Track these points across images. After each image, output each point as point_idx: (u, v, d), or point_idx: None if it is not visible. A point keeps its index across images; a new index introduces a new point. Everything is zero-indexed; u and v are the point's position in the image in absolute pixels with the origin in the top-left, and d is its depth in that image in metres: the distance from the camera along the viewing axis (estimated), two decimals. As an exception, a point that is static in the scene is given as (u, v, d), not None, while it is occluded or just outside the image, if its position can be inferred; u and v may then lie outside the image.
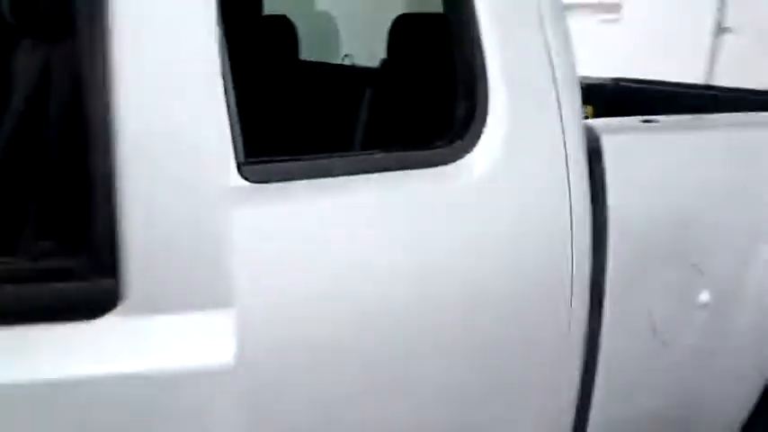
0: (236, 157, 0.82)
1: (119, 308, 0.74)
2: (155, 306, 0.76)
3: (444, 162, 0.97)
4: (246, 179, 0.82)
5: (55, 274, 0.75)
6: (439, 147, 0.98)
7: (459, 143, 0.99)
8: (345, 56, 2.07)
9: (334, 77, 1.56)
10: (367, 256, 0.89)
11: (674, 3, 4.54)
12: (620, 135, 1.16)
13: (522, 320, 1.04)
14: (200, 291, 0.79)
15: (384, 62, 1.32)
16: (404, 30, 1.25)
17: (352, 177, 0.90)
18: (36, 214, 0.85)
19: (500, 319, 1.02)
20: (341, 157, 0.97)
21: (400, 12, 1.42)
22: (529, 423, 1.10)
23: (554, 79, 1.08)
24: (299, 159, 0.88)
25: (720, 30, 4.68)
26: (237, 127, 0.82)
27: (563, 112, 1.09)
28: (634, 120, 1.22)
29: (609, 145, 1.13)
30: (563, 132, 1.09)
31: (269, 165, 0.85)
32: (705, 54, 4.65)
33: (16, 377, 0.71)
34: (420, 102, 1.13)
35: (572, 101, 1.10)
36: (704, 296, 1.29)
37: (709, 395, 1.40)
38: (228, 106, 0.81)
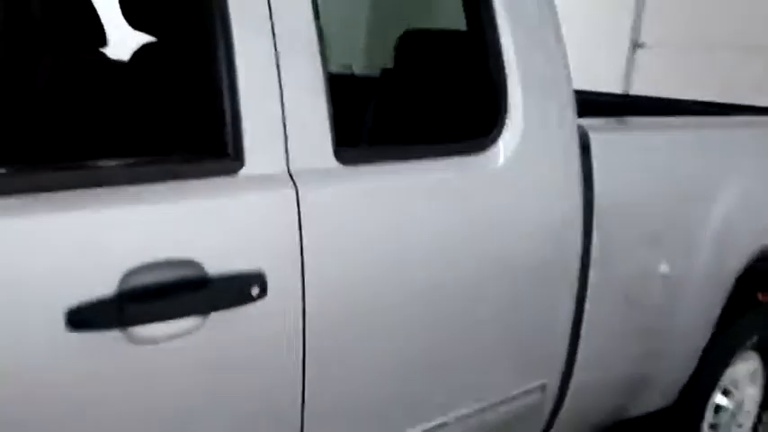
0: (333, 144, 1.01)
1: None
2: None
3: (480, 151, 1.20)
4: (340, 162, 1.02)
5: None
6: (475, 139, 1.21)
7: (489, 137, 1.22)
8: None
9: (386, 82, 1.69)
10: (428, 224, 1.11)
11: (592, 20, 4.95)
12: (604, 133, 1.43)
13: (535, 276, 1.29)
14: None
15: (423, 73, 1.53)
16: (434, 46, 1.48)
17: (414, 162, 1.11)
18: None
19: (520, 275, 1.26)
20: (404, 145, 1.17)
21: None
22: (536, 357, 1.35)
23: (555, 89, 1.34)
24: (373, 148, 1.07)
25: (636, 45, 5.15)
26: (332, 119, 1.01)
27: (562, 114, 1.34)
28: (611, 120, 1.49)
29: (595, 141, 1.40)
30: (563, 131, 1.34)
31: (355, 151, 1.04)
32: (621, 68, 5.12)
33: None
34: (458, 103, 1.35)
35: (568, 105, 1.36)
36: (664, 267, 1.58)
37: (666, 350, 1.70)
38: (326, 101, 1.01)
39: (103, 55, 1.33)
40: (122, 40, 1.24)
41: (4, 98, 1.24)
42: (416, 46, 1.50)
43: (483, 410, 1.25)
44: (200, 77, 0.94)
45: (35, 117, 1.18)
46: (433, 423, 1.18)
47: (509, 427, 1.35)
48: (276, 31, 0.95)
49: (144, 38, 1.19)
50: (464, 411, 1.22)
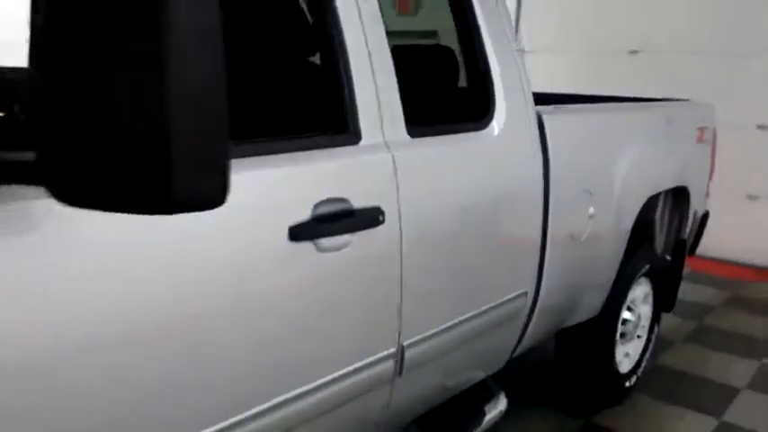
0: (405, 122, 1.52)
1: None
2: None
3: (485, 127, 1.76)
4: (410, 135, 1.53)
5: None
6: (481, 120, 1.77)
7: (486, 118, 1.79)
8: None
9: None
10: (464, 172, 1.66)
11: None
12: (551, 115, 2.03)
13: (521, 209, 1.88)
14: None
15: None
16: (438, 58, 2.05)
17: (452, 135, 1.65)
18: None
19: (513, 208, 1.85)
20: (444, 125, 1.69)
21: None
22: (521, 273, 1.94)
23: (520, 87, 1.93)
24: (424, 126, 1.59)
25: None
26: (403, 105, 1.52)
27: (527, 104, 1.93)
28: (552, 107, 2.11)
29: (547, 120, 2.00)
30: (528, 114, 1.93)
31: (415, 128, 1.55)
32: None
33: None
34: (468, 97, 1.90)
35: (528, 97, 1.95)
36: (591, 210, 2.23)
37: (593, 274, 2.35)
38: (398, 92, 1.51)
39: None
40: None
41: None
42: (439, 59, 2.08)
43: (495, 307, 1.82)
44: (331, 82, 1.42)
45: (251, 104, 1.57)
46: (466, 316, 1.72)
47: (508, 321, 1.93)
48: (368, 39, 1.45)
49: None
50: (484, 308, 1.78)
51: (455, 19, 1.87)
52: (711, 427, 2.65)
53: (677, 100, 3.15)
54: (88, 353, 0.97)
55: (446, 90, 2.06)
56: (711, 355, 3.34)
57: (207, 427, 1.14)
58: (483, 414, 1.95)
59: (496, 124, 1.81)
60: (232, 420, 1.18)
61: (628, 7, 5.23)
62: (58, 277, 0.93)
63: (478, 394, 2.05)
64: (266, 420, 1.24)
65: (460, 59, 1.95)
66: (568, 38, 5.66)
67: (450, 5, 1.86)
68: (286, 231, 1.23)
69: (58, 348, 0.93)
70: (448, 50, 2.05)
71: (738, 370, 3.16)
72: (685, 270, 3.20)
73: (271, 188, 1.23)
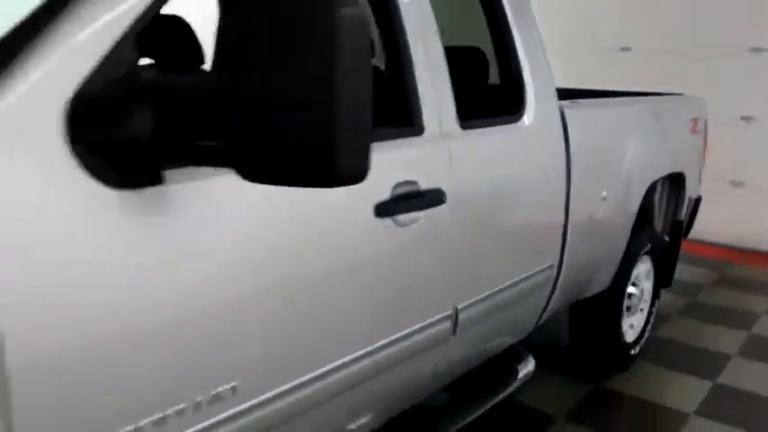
0: (456, 115, 1.76)
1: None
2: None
3: (519, 120, 2.01)
4: (460, 127, 1.77)
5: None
6: (515, 114, 2.02)
7: (519, 112, 2.04)
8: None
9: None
10: (505, 157, 1.91)
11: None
12: (571, 108, 2.28)
13: (549, 190, 2.13)
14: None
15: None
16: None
17: (493, 127, 1.90)
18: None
19: (544, 188, 2.10)
20: (486, 118, 1.93)
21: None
22: (549, 247, 2.19)
23: (546, 84, 2.17)
24: (472, 119, 1.83)
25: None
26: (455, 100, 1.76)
27: (552, 99, 2.18)
28: (571, 101, 2.36)
29: (568, 113, 2.25)
30: (553, 108, 2.18)
31: (465, 121, 1.79)
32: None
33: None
34: (498, 94, 2.14)
35: (553, 93, 2.20)
36: (604, 192, 2.49)
37: (605, 251, 2.61)
38: (451, 89, 1.75)
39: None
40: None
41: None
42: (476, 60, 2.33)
43: (528, 277, 2.08)
44: (400, 85, 1.65)
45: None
46: (507, 284, 1.98)
47: (537, 291, 2.18)
48: (427, 48, 1.68)
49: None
50: (521, 277, 2.03)
51: (489, 24, 2.12)
52: (707, 388, 2.94)
53: (672, 94, 3.43)
54: (246, 303, 1.21)
55: (479, 87, 2.30)
56: (704, 327, 3.64)
57: (328, 363, 1.39)
58: (516, 373, 2.21)
59: (527, 117, 2.06)
60: (338, 362, 1.42)
61: (620, 6, 5.52)
62: (221, 242, 1.17)
63: (508, 358, 2.31)
64: (360, 364, 1.49)
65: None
66: (562, 35, 5.94)
67: (484, 12, 2.10)
68: (372, 209, 1.47)
69: (237, 295, 1.18)
70: (480, 52, 2.30)
71: (729, 339, 3.46)
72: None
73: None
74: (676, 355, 3.28)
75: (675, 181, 3.22)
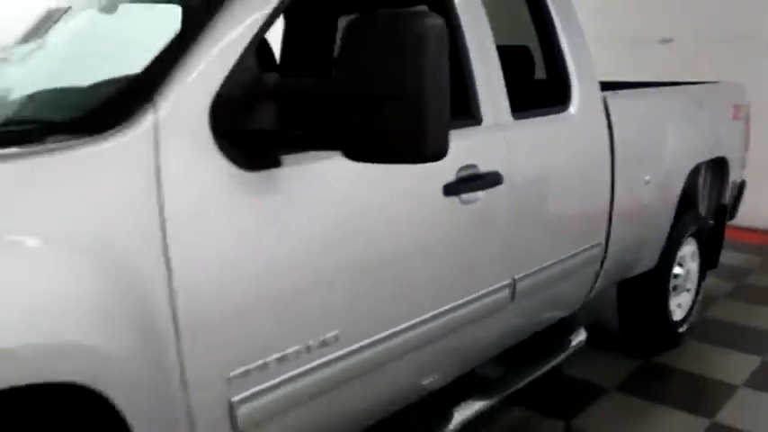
0: (509, 107, 1.99)
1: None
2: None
3: (566, 109, 2.23)
4: (513, 118, 2.00)
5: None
6: (554, 102, 2.23)
7: (565, 103, 2.25)
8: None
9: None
10: (555, 143, 2.13)
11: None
12: (613, 98, 2.48)
13: (595, 174, 2.34)
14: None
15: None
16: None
17: (543, 116, 2.12)
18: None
19: (591, 172, 2.31)
20: (534, 109, 2.16)
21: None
22: (597, 227, 2.39)
23: (590, 76, 2.38)
24: (523, 110, 2.06)
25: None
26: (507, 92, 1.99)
27: (595, 89, 2.39)
28: (612, 92, 2.55)
29: (610, 102, 2.45)
30: (595, 98, 2.39)
31: (518, 112, 2.02)
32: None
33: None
34: (545, 87, 2.36)
35: (595, 84, 2.40)
36: (647, 176, 2.67)
37: (650, 231, 2.79)
38: (504, 81, 1.98)
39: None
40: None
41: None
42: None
43: (577, 254, 2.28)
44: (461, 81, 1.89)
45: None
46: (558, 259, 2.19)
47: (586, 267, 2.39)
48: (483, 47, 1.92)
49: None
50: (571, 252, 2.24)
51: (535, 25, 2.34)
52: (756, 363, 3.07)
53: (711, 82, 3.57)
54: (345, 264, 1.48)
55: (527, 82, 2.52)
56: (753, 308, 3.75)
57: (407, 320, 1.66)
58: (569, 342, 2.42)
59: (573, 108, 2.28)
60: (417, 320, 1.67)
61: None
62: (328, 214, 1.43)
63: (561, 330, 2.52)
64: (434, 323, 1.73)
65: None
66: (604, 27, 6.08)
67: (530, 14, 2.33)
68: (441, 189, 1.71)
69: (339, 259, 1.45)
70: (527, 50, 2.52)
71: (778, 318, 3.57)
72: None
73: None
74: (725, 333, 3.41)
75: (718, 165, 3.36)
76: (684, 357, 3.15)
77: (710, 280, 3.77)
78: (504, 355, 2.33)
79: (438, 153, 1.22)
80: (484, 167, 1.83)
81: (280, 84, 1.30)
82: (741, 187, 3.67)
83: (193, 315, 1.20)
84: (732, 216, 3.72)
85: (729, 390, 2.83)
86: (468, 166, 1.79)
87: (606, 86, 2.60)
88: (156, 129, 1.19)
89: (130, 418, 1.11)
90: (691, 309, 3.33)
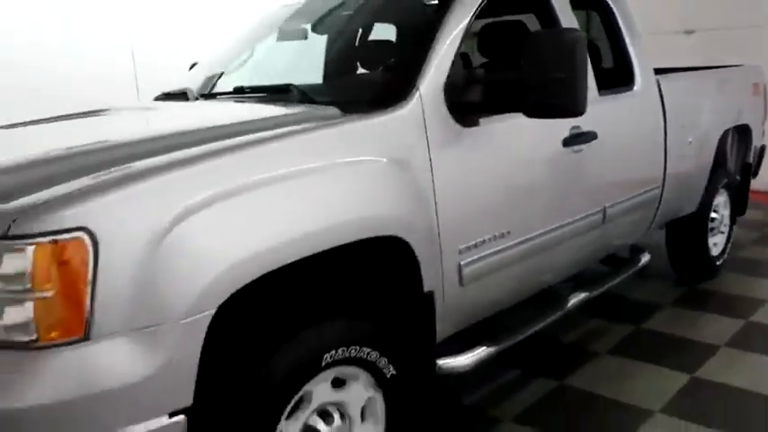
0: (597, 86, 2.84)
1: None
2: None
3: (629, 89, 3.07)
4: (599, 95, 2.84)
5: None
6: (625, 84, 3.08)
7: (631, 84, 3.10)
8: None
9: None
10: (626, 114, 2.98)
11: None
12: (664, 80, 3.32)
13: (655, 136, 3.18)
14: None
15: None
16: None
17: (618, 94, 2.97)
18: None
19: (654, 137, 3.15)
20: (613, 87, 2.99)
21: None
22: (656, 174, 3.23)
23: (646, 63, 3.22)
24: (604, 89, 2.90)
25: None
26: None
27: (650, 74, 3.23)
28: (662, 76, 3.38)
29: (662, 83, 3.29)
30: (651, 80, 3.23)
31: (601, 90, 2.86)
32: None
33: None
34: (617, 73, 3.20)
35: (651, 69, 3.24)
36: (690, 138, 3.50)
37: (693, 181, 3.62)
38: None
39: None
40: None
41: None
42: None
43: (644, 192, 3.13)
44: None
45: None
46: (633, 194, 3.04)
47: (649, 204, 3.23)
48: None
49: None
50: (640, 191, 3.09)
51: (605, 28, 3.18)
52: (780, 287, 3.90)
53: (735, 65, 4.38)
54: (512, 189, 2.33)
55: (598, 69, 3.36)
56: (775, 249, 4.57)
57: (546, 227, 2.50)
58: (640, 259, 3.27)
59: (636, 87, 3.12)
60: (552, 226, 2.53)
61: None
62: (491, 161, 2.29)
63: (632, 251, 3.39)
64: (563, 230, 2.59)
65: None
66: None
67: (601, 21, 3.17)
68: (560, 142, 2.56)
69: (511, 185, 2.30)
70: (595, 44, 3.36)
71: (796, 256, 4.39)
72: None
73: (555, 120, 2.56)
74: (754, 268, 4.24)
75: (743, 131, 4.18)
76: (721, 284, 3.98)
77: (739, 231, 4.58)
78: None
79: (581, 110, 2.08)
80: (585, 128, 2.68)
81: (483, 74, 2.16)
82: (762, 150, 4.48)
83: (443, 212, 2.06)
84: (755, 174, 4.54)
85: (760, 303, 3.65)
86: (575, 127, 2.63)
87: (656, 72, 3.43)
88: (420, 101, 2.06)
89: (419, 257, 1.97)
90: (725, 247, 4.15)
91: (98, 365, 1.37)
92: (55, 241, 1.33)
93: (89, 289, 1.35)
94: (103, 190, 1.42)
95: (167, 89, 2.87)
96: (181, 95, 2.65)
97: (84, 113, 2.54)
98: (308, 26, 2.85)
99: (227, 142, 1.67)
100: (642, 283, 3.96)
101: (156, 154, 1.59)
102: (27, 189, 1.43)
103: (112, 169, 1.51)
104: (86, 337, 1.36)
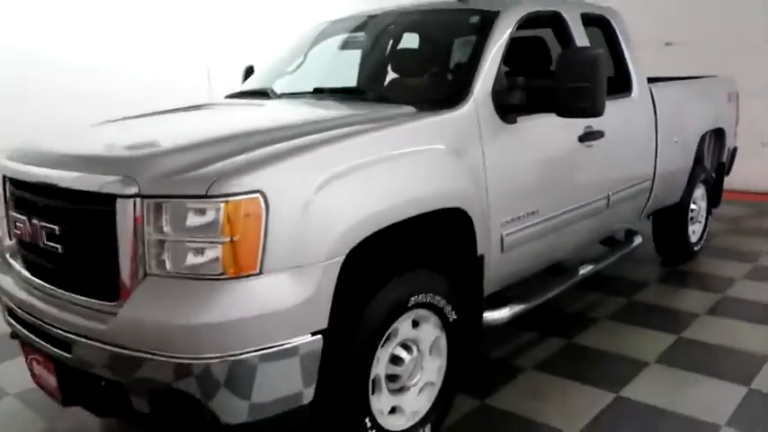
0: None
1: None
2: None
3: (627, 95, 3.64)
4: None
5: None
6: (624, 91, 3.65)
7: (629, 91, 3.67)
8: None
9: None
10: (625, 117, 3.54)
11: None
12: (655, 87, 3.88)
13: (648, 137, 3.75)
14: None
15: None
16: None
17: (620, 99, 3.53)
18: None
19: (649, 136, 3.72)
20: (616, 93, 3.54)
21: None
22: (647, 169, 3.81)
23: (641, 73, 3.78)
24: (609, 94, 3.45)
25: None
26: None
27: (645, 82, 3.79)
28: (656, 83, 3.95)
29: (654, 90, 3.86)
30: (645, 88, 3.79)
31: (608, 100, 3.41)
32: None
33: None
34: (618, 82, 3.75)
35: (645, 77, 3.81)
36: (675, 138, 4.08)
37: (677, 175, 4.21)
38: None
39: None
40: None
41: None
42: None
43: (638, 183, 3.70)
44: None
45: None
46: (629, 185, 3.60)
47: (641, 194, 3.80)
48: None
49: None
50: (635, 182, 3.66)
51: (608, 44, 3.74)
52: (749, 267, 4.50)
53: (712, 76, 4.99)
54: (542, 175, 2.86)
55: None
56: (744, 239, 5.20)
57: (562, 208, 3.03)
58: (633, 241, 3.85)
59: (634, 94, 3.68)
60: (569, 207, 3.06)
61: (661, 5, 7.08)
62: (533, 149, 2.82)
63: (627, 234, 3.96)
64: (579, 211, 3.13)
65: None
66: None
67: (605, 39, 3.73)
68: (577, 138, 3.10)
69: (542, 175, 2.83)
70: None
71: (762, 243, 5.02)
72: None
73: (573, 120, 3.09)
74: (726, 253, 4.86)
75: (719, 134, 4.79)
76: (698, 265, 4.59)
77: (714, 223, 5.21)
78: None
79: (601, 112, 2.62)
80: (595, 128, 3.22)
81: (523, 81, 2.69)
82: (734, 151, 5.11)
83: (492, 191, 2.58)
84: (728, 172, 5.16)
85: (731, 281, 4.26)
86: (588, 126, 3.18)
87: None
88: (475, 102, 2.58)
89: (476, 226, 2.48)
90: (702, 235, 4.76)
91: (267, 293, 1.85)
92: (240, 200, 1.81)
93: (262, 237, 1.84)
94: (272, 163, 1.90)
95: (236, 90, 3.35)
96: (260, 94, 3.13)
97: (187, 108, 3.01)
98: (374, 38, 3.36)
99: (346, 130, 2.18)
100: (632, 264, 4.55)
101: (295, 137, 2.09)
102: (212, 161, 1.91)
103: (269, 148, 2.00)
104: (259, 272, 1.84)
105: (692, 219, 4.62)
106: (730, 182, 5.64)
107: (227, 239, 1.81)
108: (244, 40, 7.32)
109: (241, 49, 7.04)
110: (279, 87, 3.16)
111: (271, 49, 3.78)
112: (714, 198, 4.92)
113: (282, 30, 7.15)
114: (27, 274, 2.31)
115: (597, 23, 3.76)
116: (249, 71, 3.82)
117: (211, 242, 1.82)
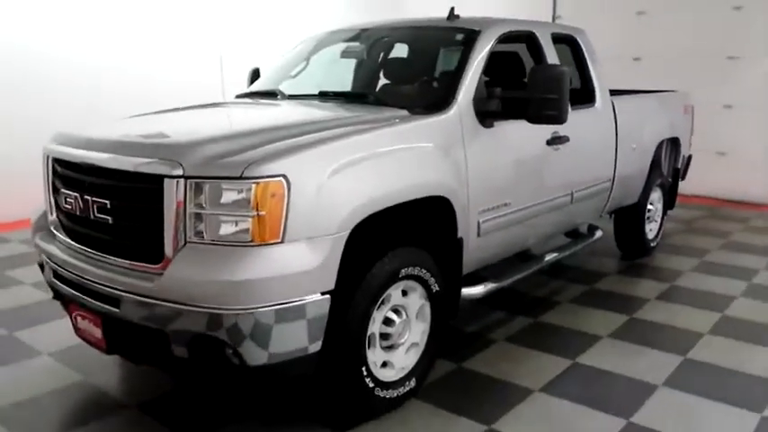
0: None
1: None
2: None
3: (591, 106, 4.13)
4: (572, 109, 3.87)
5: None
6: (588, 102, 4.13)
7: (593, 102, 4.16)
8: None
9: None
10: (588, 125, 4.02)
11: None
12: (616, 99, 4.38)
13: (608, 143, 4.25)
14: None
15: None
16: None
17: (582, 109, 4.01)
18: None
19: (608, 143, 4.21)
20: (579, 104, 4.02)
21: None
22: (608, 171, 4.30)
23: (605, 88, 4.28)
24: (573, 104, 3.93)
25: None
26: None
27: (607, 95, 4.29)
28: (617, 96, 4.45)
29: (616, 102, 4.35)
30: (607, 100, 4.29)
31: (573, 105, 3.89)
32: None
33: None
34: (582, 93, 4.23)
35: (607, 90, 4.30)
36: (634, 145, 4.59)
37: (634, 180, 4.72)
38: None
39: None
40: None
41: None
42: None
43: (599, 183, 4.19)
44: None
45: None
46: (592, 184, 4.08)
47: (602, 192, 4.29)
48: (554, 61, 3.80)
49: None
50: (596, 182, 4.15)
51: (575, 61, 4.22)
52: (697, 262, 5.03)
53: (670, 90, 5.52)
54: (512, 171, 3.33)
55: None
56: (696, 238, 5.75)
57: (534, 201, 3.50)
58: (594, 234, 4.34)
59: (597, 105, 4.18)
60: (541, 200, 3.53)
61: (631, 24, 7.63)
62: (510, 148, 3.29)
63: (590, 229, 4.44)
64: (545, 204, 3.60)
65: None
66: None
67: (573, 56, 4.21)
68: (545, 142, 3.57)
69: (513, 172, 3.29)
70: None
71: (712, 242, 5.58)
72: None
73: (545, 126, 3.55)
74: (681, 250, 5.39)
75: (674, 142, 5.32)
76: (655, 260, 5.10)
77: (669, 224, 5.73)
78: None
79: (565, 120, 3.10)
80: (561, 133, 3.70)
81: (499, 91, 3.15)
82: (689, 159, 5.65)
83: (471, 183, 3.03)
84: (683, 177, 5.69)
85: (680, 273, 4.78)
86: (555, 132, 3.65)
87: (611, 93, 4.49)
88: (459, 108, 3.03)
89: (457, 212, 2.93)
90: (657, 233, 5.28)
91: (288, 258, 2.28)
92: (267, 182, 2.24)
93: (284, 212, 2.27)
94: (294, 153, 2.33)
95: (245, 91, 3.77)
96: (269, 95, 3.55)
97: (208, 105, 3.42)
98: (368, 48, 3.80)
99: (352, 128, 2.62)
100: (595, 258, 5.05)
101: (310, 132, 2.52)
102: (244, 150, 2.33)
103: (290, 141, 2.43)
104: (282, 241, 2.27)
105: (648, 218, 5.13)
106: (687, 187, 6.22)
107: (256, 214, 2.24)
108: (256, 35, 7.64)
109: (253, 43, 7.42)
110: (286, 90, 3.58)
111: (275, 52, 4.20)
112: (670, 200, 5.45)
113: (294, 23, 7.62)
114: (72, 242, 2.70)
115: (566, 41, 4.24)
116: (255, 74, 4.23)
117: (243, 216, 2.24)
